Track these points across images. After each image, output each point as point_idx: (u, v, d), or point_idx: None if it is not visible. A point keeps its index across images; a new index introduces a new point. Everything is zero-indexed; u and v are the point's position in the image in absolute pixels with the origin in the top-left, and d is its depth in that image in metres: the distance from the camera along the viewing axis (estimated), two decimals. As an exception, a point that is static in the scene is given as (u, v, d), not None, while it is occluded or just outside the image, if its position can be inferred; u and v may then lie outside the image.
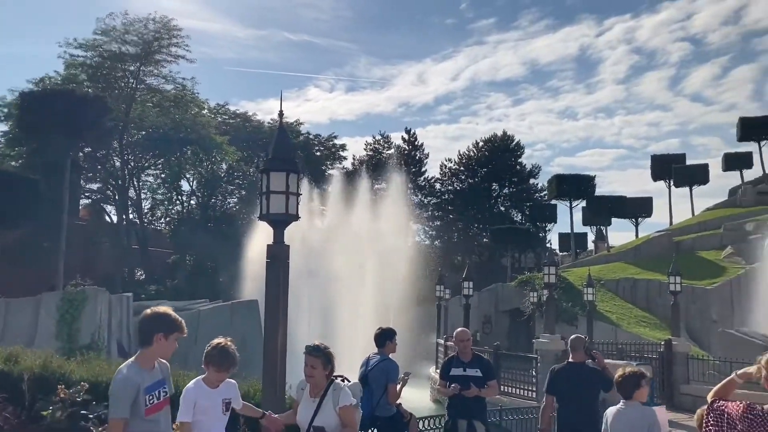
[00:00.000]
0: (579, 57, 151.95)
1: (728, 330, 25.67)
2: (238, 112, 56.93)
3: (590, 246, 58.52)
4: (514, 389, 18.84)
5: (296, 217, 6.77)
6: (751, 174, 52.32)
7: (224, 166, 52.97)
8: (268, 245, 6.74)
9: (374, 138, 66.17)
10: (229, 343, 4.90)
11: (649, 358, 19.51)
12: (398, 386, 7.36)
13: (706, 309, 34.16)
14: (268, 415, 5.32)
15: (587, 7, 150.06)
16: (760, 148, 52.14)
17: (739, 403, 3.65)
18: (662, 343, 20.51)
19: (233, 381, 5.01)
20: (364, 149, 66.15)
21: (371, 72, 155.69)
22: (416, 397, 19.15)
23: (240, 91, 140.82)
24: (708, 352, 25.98)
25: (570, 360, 7.46)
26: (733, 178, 53.10)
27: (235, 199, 54.56)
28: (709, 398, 3.87)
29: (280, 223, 6.72)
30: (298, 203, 6.79)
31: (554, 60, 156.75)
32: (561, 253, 60.34)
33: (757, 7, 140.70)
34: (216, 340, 4.91)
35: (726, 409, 3.64)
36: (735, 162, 52.90)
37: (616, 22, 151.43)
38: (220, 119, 53.56)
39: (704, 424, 3.80)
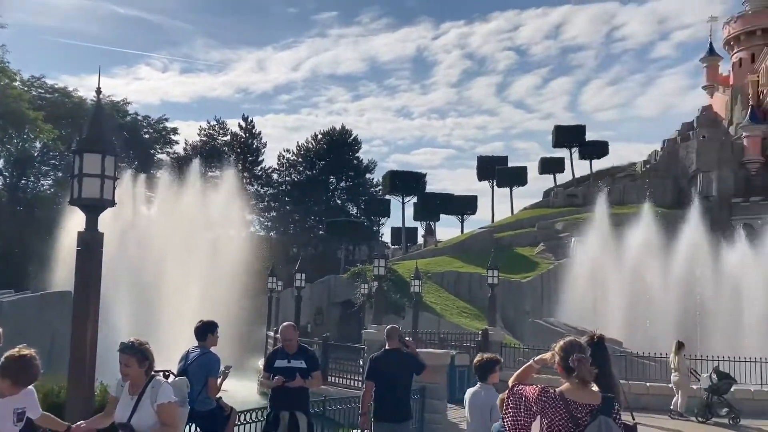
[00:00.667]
0: (416, 58, 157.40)
1: (537, 320, 27.94)
2: (57, 86, 52.22)
3: (420, 240, 60.94)
4: (341, 379, 19.12)
5: (112, 203, 6.34)
6: (563, 178, 57.36)
7: (38, 145, 48.44)
8: (79, 232, 6.27)
9: (209, 123, 63.98)
10: (32, 354, 4.44)
11: (468, 347, 20.67)
12: (219, 380, 7.17)
13: (521, 301, 36.91)
14: (74, 429, 4.88)
15: (426, 10, 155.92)
16: (571, 154, 57.25)
17: (535, 386, 3.91)
18: (480, 332, 21.85)
19: (30, 387, 4.55)
20: (198, 134, 63.72)
21: (209, 54, 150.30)
22: (244, 391, 18.80)
23: (60, 65, 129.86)
24: (521, 340, 28.07)
25: (386, 348, 7.89)
26: (548, 181, 57.92)
27: (50, 181, 50.16)
28: (510, 383, 4.10)
29: (93, 208, 6.26)
30: (114, 188, 6.36)
31: (393, 59, 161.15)
32: (393, 247, 62.24)
33: (574, 25, 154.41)
34: (16, 350, 4.43)
35: (524, 393, 3.87)
36: (549, 166, 57.58)
37: (451, 27, 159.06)
38: (35, 93, 48.80)
39: (504, 407, 4.02)
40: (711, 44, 57.98)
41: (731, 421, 14.73)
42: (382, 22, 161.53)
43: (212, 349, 7.29)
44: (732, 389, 15.51)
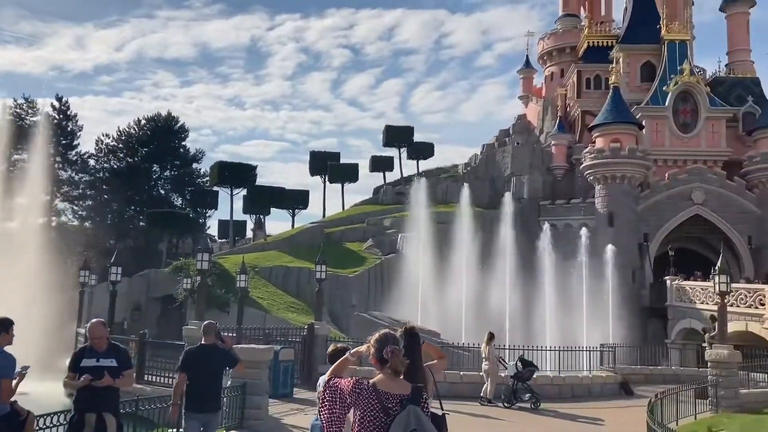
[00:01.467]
0: (250, 47, 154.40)
1: (361, 313, 28.61)
2: None
3: (249, 234, 59.87)
4: (159, 378, 18.25)
5: None
6: (392, 176, 59.19)
7: None
8: None
9: (16, 101, 58.00)
10: None
11: (293, 342, 20.62)
12: (14, 381, 6.52)
13: (348, 295, 37.56)
14: None
15: (261, 0, 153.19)
16: (399, 154, 59.29)
17: (350, 379, 3.97)
18: (306, 327, 21.90)
19: None
20: (2, 113, 57.48)
21: (19, 26, 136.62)
22: (48, 393, 17.28)
23: None
24: (347, 334, 28.59)
25: (202, 342, 8.25)
26: (378, 179, 59.36)
27: None
28: (326, 376, 4.13)
29: None
30: None
31: (226, 46, 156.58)
32: (220, 240, 60.51)
33: (406, 29, 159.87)
34: None
35: (339, 385, 3.91)
36: (380, 164, 59.15)
37: (287, 19, 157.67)
38: None
39: (321, 401, 4.04)
40: (527, 58, 62.90)
41: (532, 405, 16.07)
42: (215, 8, 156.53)
43: (7, 348, 6.63)
44: (534, 376, 16.95)
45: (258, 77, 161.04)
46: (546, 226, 40.60)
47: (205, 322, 8.55)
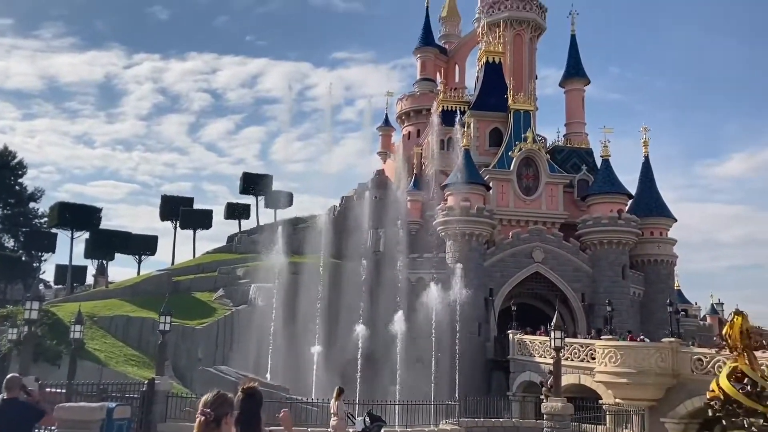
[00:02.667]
0: (104, 84, 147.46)
1: (206, 368, 27.33)
2: None
3: (90, 280, 55.87)
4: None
5: None
6: (248, 224, 58.06)
7: None
8: None
9: None
10: None
11: (131, 398, 19.21)
12: None
13: (194, 348, 35.87)
14: None
15: (119, 37, 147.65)
16: (257, 201, 58.41)
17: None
18: (146, 382, 20.50)
19: None
20: None
21: None
22: None
23: None
24: (191, 389, 27.14)
25: (5, 397, 8.12)
26: (233, 226, 57.99)
27: None
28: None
29: None
30: None
31: (76, 81, 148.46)
32: (56, 286, 55.95)
33: (270, 78, 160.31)
34: None
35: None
36: (235, 211, 57.87)
37: (146, 59, 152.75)
38: None
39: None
40: (387, 116, 65.09)
41: (379, 460, 15.98)
42: (67, 41, 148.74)
43: None
44: (382, 431, 16.91)
45: (111, 115, 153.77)
46: (400, 278, 41.43)
47: (9, 376, 8.39)
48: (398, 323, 35.65)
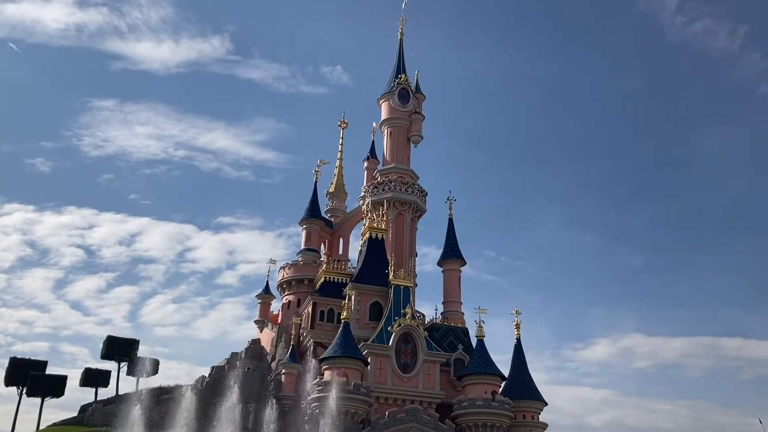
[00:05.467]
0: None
1: None
2: None
3: None
4: None
5: None
6: (107, 393, 53.32)
7: None
8: None
9: None
10: None
11: None
12: None
13: None
14: None
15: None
16: (119, 368, 54.26)
17: None
18: None
19: None
20: None
21: None
22: None
23: None
24: None
25: None
26: (89, 394, 53.07)
27: None
28: None
29: None
30: None
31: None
32: None
33: (150, 237, 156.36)
34: None
35: None
36: (93, 378, 53.35)
37: (17, 209, 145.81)
38: None
39: None
40: (267, 283, 64.25)
41: None
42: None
43: None
44: None
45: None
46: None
47: None
48: None
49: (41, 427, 49.42)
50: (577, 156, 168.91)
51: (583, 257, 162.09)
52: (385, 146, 61.85)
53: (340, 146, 71.57)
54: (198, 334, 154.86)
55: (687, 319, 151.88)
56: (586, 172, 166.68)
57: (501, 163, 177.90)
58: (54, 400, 52.40)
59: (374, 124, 67.37)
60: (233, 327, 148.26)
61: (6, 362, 53.88)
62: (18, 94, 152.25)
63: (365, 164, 67.78)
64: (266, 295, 63.80)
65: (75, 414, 50.95)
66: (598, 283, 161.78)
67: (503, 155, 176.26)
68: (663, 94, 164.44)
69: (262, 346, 57.70)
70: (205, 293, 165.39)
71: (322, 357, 46.18)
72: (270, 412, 46.57)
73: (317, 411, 43.35)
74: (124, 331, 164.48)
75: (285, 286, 60.75)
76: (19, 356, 54.72)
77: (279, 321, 60.13)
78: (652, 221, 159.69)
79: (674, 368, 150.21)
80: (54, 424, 48.95)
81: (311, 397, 44.06)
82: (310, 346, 52.59)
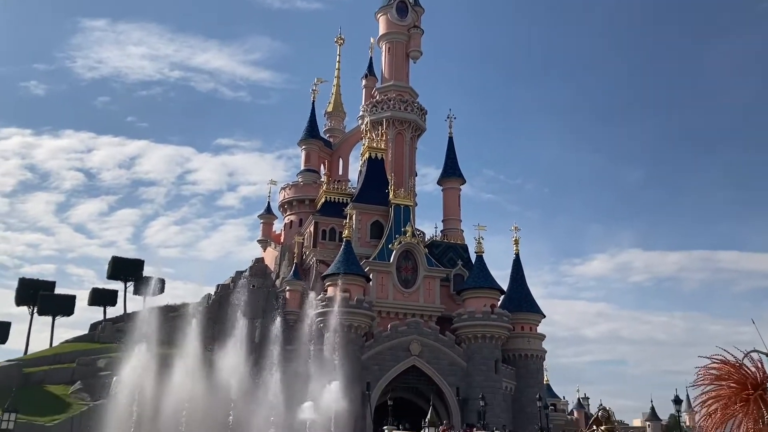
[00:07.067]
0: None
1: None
2: None
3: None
4: None
5: None
6: (115, 311, 54.64)
7: None
8: None
9: None
10: None
11: None
12: None
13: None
14: None
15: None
16: (125, 287, 55.33)
17: None
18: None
19: None
20: None
21: None
22: None
23: None
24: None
25: None
26: (98, 313, 54.40)
27: None
28: None
29: None
30: None
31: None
32: None
33: (149, 160, 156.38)
34: None
35: None
36: (101, 298, 54.44)
37: (15, 133, 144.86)
38: None
39: None
40: (269, 204, 64.76)
41: None
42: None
43: None
44: None
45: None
46: (276, 375, 39.94)
47: None
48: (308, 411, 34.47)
49: (54, 345, 50.95)
50: (577, 71, 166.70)
51: (581, 174, 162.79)
52: (383, 63, 60.88)
53: (337, 64, 70.42)
54: (202, 254, 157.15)
55: (684, 233, 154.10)
56: (587, 87, 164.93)
57: (500, 79, 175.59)
58: (65, 319, 53.69)
59: (372, 40, 66.02)
60: (236, 247, 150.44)
61: (16, 283, 54.82)
62: (6, 15, 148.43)
63: (363, 82, 66.86)
64: (268, 215, 64.36)
65: (85, 332, 52.47)
66: (597, 200, 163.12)
67: (503, 71, 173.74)
68: (667, 7, 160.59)
69: (266, 265, 58.71)
70: (207, 215, 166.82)
71: (325, 274, 47.16)
72: (276, 327, 48.01)
73: (321, 325, 44.64)
74: (128, 252, 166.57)
75: (286, 206, 61.22)
76: (27, 277, 55.87)
77: (282, 240, 60.92)
78: (651, 136, 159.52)
79: (670, 281, 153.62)
80: (66, 341, 50.47)
81: (315, 312, 45.25)
82: (313, 264, 53.54)
